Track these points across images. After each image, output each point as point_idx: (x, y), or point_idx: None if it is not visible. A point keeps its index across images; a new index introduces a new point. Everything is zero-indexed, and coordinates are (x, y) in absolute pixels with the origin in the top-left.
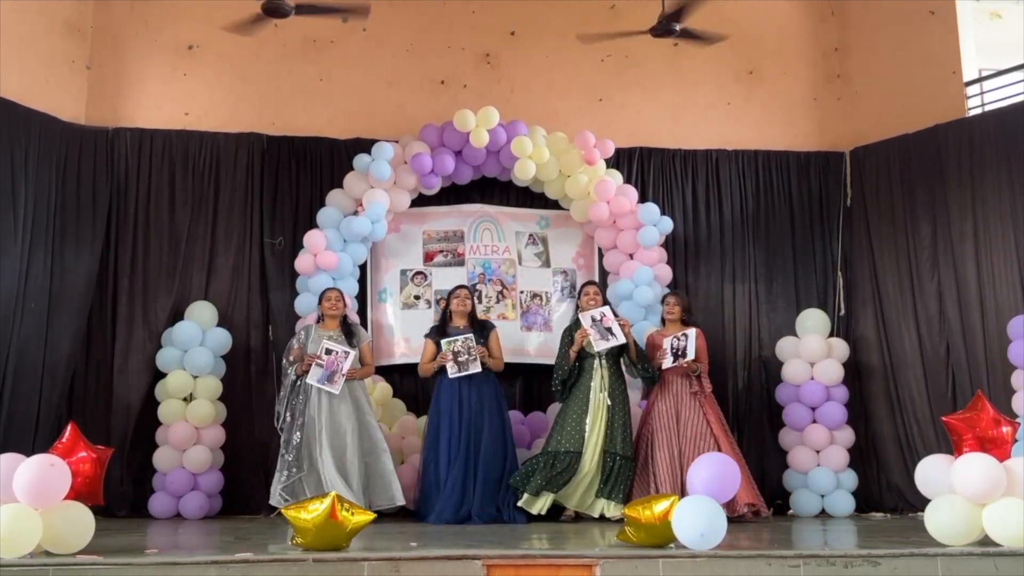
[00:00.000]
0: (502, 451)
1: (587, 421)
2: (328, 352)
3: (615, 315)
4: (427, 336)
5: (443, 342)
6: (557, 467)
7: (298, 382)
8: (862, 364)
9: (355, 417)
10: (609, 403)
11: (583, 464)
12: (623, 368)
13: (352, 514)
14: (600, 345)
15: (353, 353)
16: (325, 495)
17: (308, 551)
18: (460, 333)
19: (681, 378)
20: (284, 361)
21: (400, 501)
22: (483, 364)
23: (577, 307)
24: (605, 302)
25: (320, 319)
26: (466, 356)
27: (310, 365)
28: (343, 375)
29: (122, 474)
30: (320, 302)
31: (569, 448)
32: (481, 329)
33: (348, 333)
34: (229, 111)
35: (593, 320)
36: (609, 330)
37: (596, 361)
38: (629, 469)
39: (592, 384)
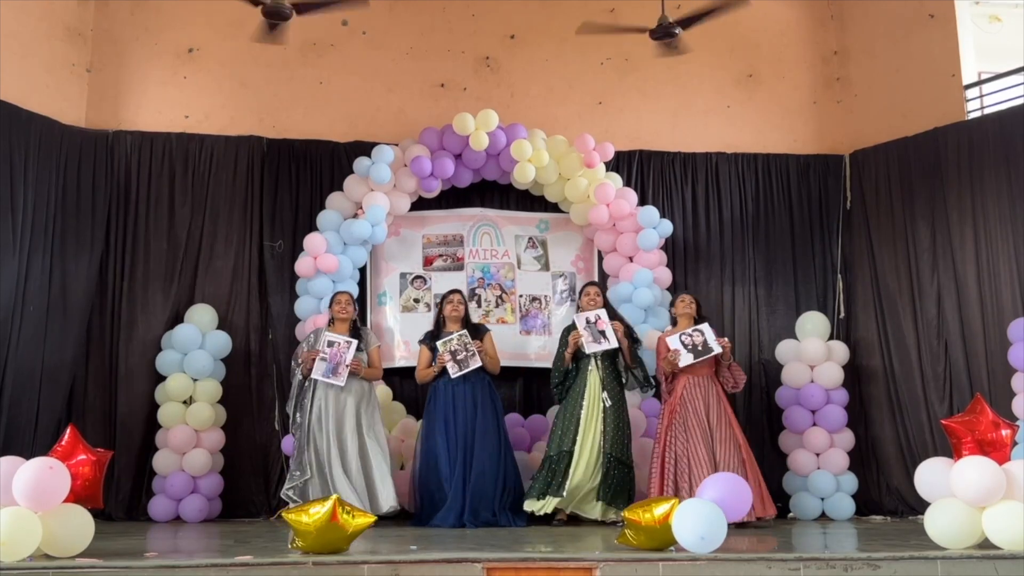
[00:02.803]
0: (496, 455)
1: (581, 419)
2: (330, 344)
3: (612, 318)
4: (421, 342)
5: (438, 344)
6: (557, 469)
7: (305, 383)
8: (862, 367)
9: (356, 417)
10: (607, 403)
11: (577, 462)
12: (620, 372)
13: (353, 517)
14: (592, 347)
15: (355, 342)
16: (327, 498)
17: (308, 554)
18: None
19: (707, 378)
20: (293, 364)
21: (393, 504)
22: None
23: (578, 307)
24: (606, 304)
25: (330, 322)
26: (464, 353)
27: (314, 361)
28: (347, 366)
29: (122, 477)
30: (331, 305)
31: (564, 448)
32: (475, 332)
33: (357, 337)
34: (229, 114)
35: (588, 322)
36: (603, 333)
37: (592, 362)
38: (626, 475)
39: (588, 384)
